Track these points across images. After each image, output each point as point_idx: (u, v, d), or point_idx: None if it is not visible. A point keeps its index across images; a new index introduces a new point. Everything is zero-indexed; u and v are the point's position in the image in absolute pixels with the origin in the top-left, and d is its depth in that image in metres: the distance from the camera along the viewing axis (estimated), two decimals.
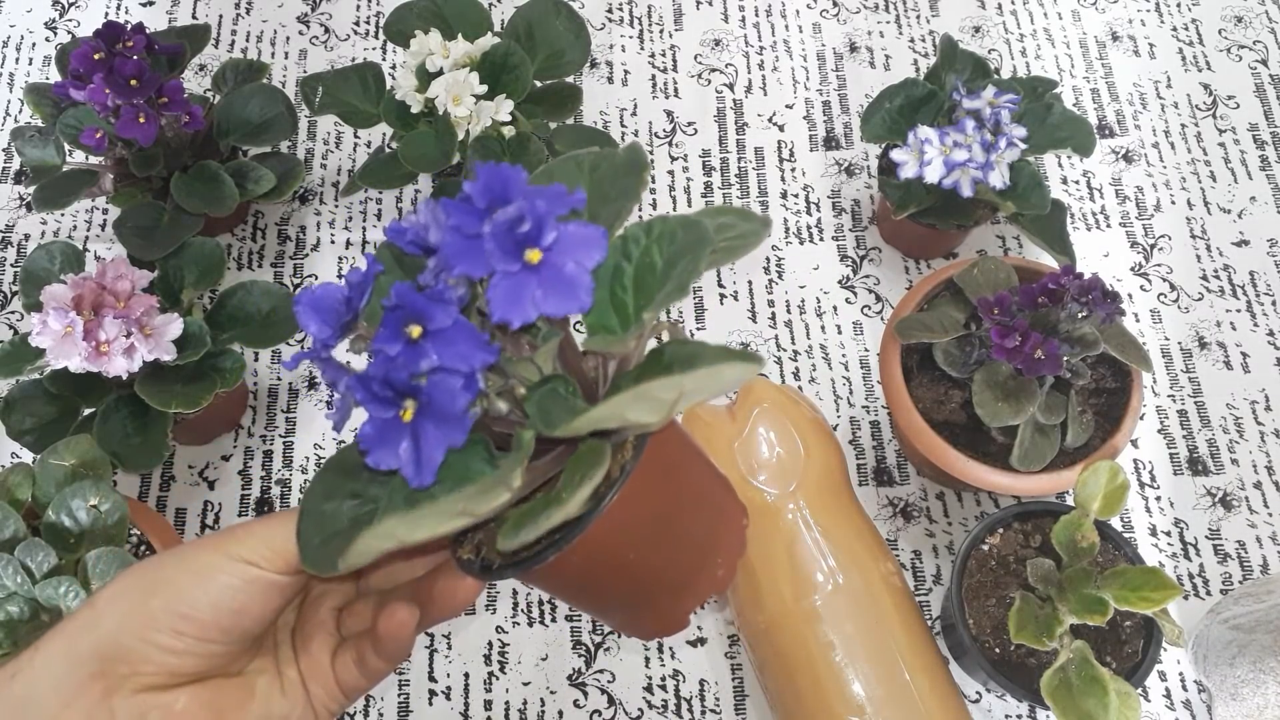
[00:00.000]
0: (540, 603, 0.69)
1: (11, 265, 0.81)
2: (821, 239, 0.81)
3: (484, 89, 0.69)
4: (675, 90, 0.87)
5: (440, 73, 0.70)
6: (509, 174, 0.31)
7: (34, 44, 0.90)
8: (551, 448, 0.33)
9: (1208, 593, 0.69)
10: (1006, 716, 0.66)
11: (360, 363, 0.33)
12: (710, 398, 0.32)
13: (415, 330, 0.30)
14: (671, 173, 0.84)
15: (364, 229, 0.82)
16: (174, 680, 0.34)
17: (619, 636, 0.68)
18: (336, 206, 0.83)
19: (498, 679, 0.67)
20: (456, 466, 0.31)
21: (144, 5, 0.92)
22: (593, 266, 0.30)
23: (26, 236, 0.82)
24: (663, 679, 0.67)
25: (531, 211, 0.30)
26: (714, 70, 0.88)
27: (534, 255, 0.30)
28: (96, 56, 0.69)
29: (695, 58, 0.89)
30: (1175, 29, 0.89)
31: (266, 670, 0.37)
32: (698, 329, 0.78)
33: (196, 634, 0.34)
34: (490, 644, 0.68)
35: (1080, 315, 0.60)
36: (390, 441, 0.31)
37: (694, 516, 0.36)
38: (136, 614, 0.34)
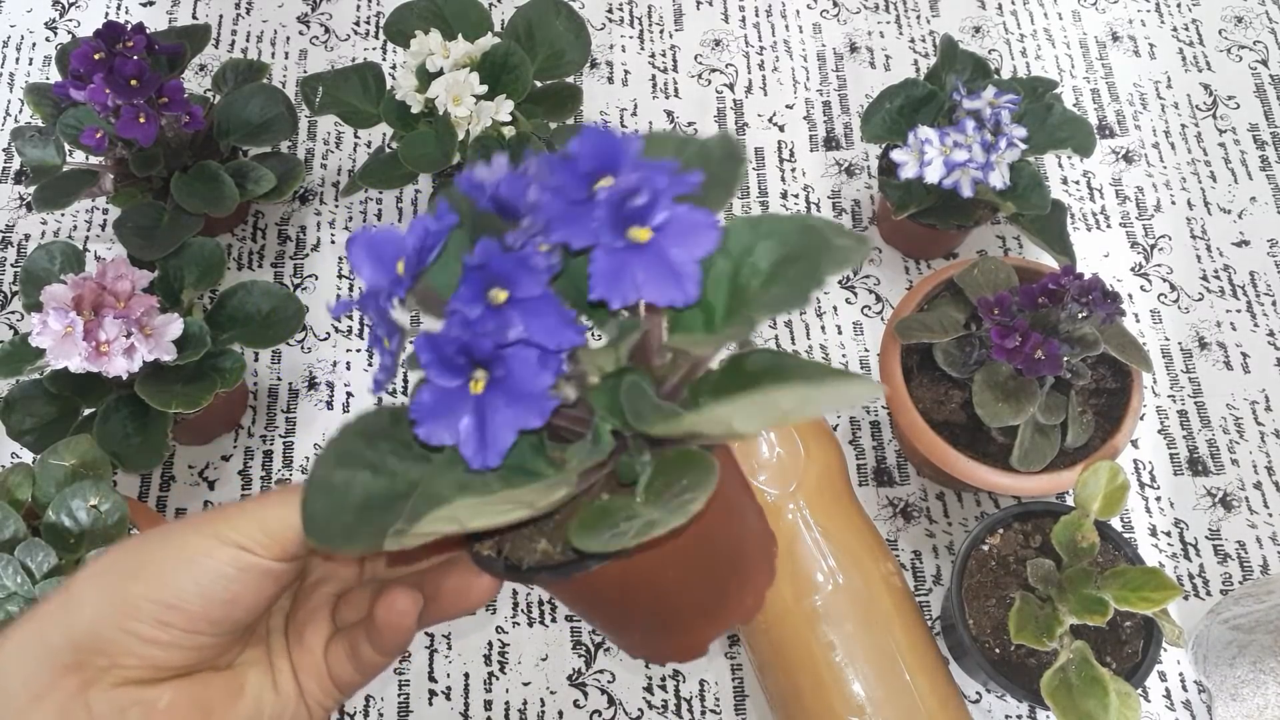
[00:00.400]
0: (540, 603, 0.69)
1: (11, 265, 0.81)
2: None
3: (484, 89, 0.69)
4: (675, 90, 0.87)
5: (440, 73, 0.70)
6: (621, 141, 0.28)
7: (34, 44, 0.90)
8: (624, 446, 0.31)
9: (1208, 593, 0.69)
10: (1006, 717, 0.66)
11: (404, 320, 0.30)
12: (813, 414, 0.30)
13: (500, 295, 0.27)
14: None
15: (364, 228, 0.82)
16: (157, 674, 0.31)
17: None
18: (337, 207, 0.83)
19: (498, 679, 0.67)
20: (513, 458, 0.29)
21: (144, 5, 0.92)
22: (701, 257, 0.27)
23: (27, 236, 0.82)
24: (663, 679, 0.67)
25: (649, 185, 0.27)
26: (714, 70, 0.88)
27: (642, 234, 0.27)
28: (97, 56, 0.69)
29: (695, 58, 0.89)
30: (1175, 29, 0.89)
31: (258, 662, 0.34)
32: None
33: (183, 625, 0.31)
34: (490, 644, 0.68)
35: (1080, 315, 0.60)
36: (450, 414, 0.27)
37: (734, 540, 0.34)
38: (116, 601, 0.31)
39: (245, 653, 0.34)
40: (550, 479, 0.27)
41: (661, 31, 0.90)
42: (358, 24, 0.91)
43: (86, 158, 0.77)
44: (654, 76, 0.88)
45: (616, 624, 0.35)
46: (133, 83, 0.69)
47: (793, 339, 0.77)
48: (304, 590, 0.36)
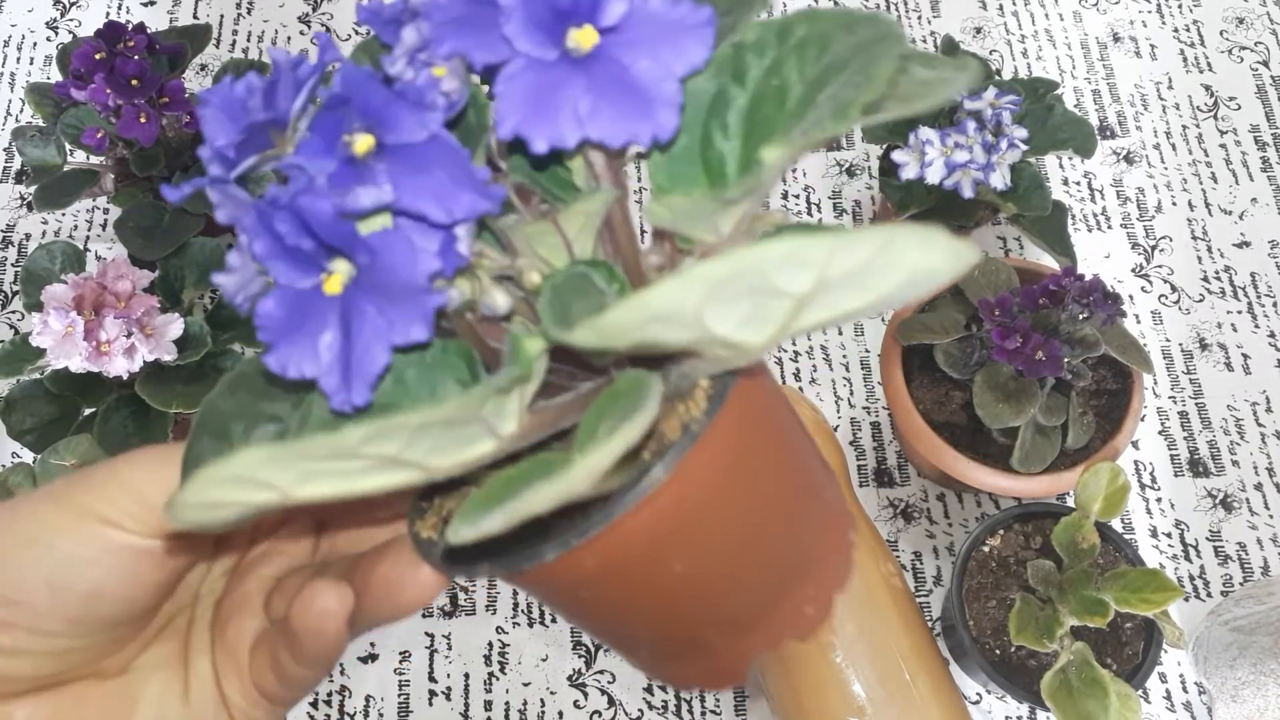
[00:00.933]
0: (540, 603, 0.69)
1: (12, 265, 0.81)
2: None
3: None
4: None
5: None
6: None
7: (35, 44, 0.90)
8: (580, 379, 0.22)
9: (1208, 594, 0.69)
10: (1006, 718, 0.66)
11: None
12: (865, 309, 0.18)
13: (363, 142, 0.18)
14: None
15: None
16: (6, 688, 0.24)
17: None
18: None
19: (498, 679, 0.67)
20: (417, 385, 0.20)
21: (145, 5, 0.92)
22: (685, 73, 0.18)
23: (27, 236, 0.82)
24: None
25: None
26: None
27: (585, 37, 0.18)
28: (98, 56, 0.69)
29: None
30: (1176, 30, 0.89)
31: (165, 665, 0.26)
32: None
33: (28, 625, 0.23)
34: (490, 644, 0.68)
35: (1081, 317, 0.60)
36: (307, 328, 0.19)
37: (781, 519, 0.23)
38: None
39: (148, 653, 0.26)
40: (425, 412, 0.17)
41: None
42: (359, 23, 0.91)
43: (88, 157, 0.77)
44: None
45: (614, 635, 0.25)
46: (134, 83, 0.69)
47: (793, 339, 0.77)
48: (241, 570, 0.28)
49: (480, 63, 0.18)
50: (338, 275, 0.19)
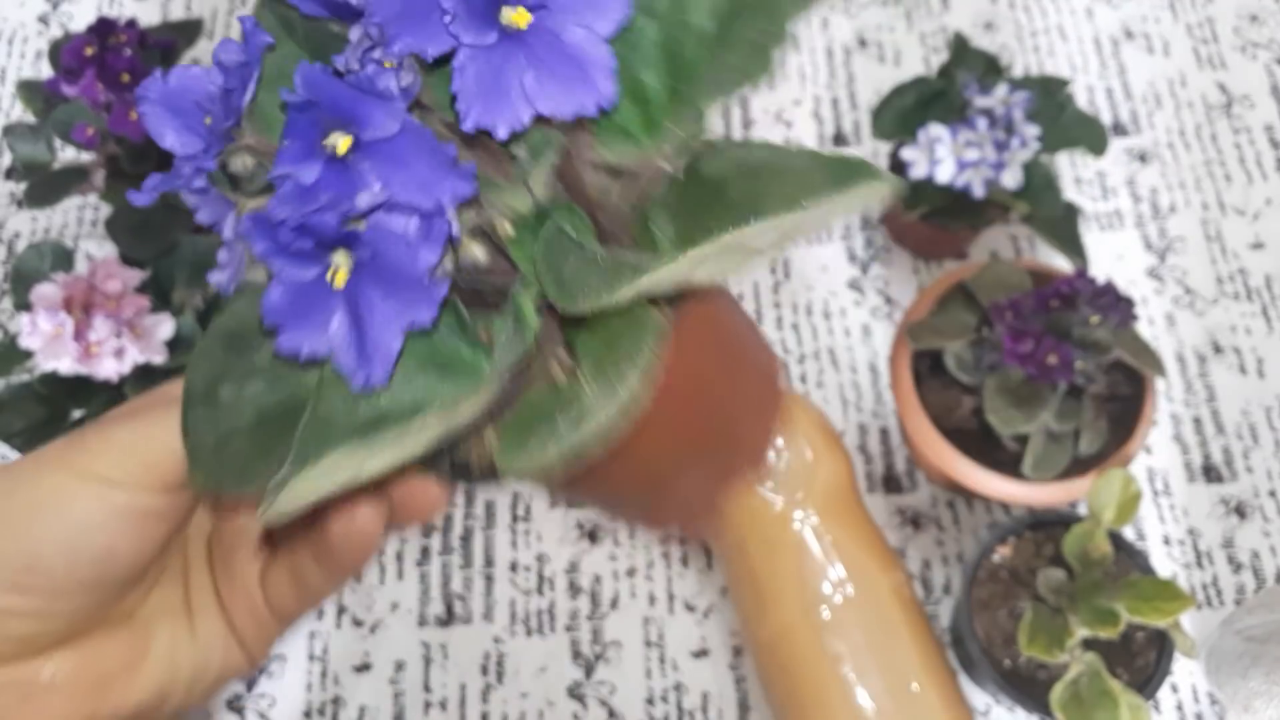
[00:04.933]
0: (539, 612, 0.68)
1: (1, 264, 0.79)
2: (830, 239, 0.79)
3: None
4: None
5: None
6: None
7: (26, 38, 0.89)
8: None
9: (1221, 603, 0.68)
10: None
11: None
12: (795, 239, 0.22)
13: (342, 142, 0.20)
14: None
15: None
16: (29, 648, 0.25)
17: (619, 647, 0.67)
18: None
19: (495, 690, 0.65)
20: (419, 347, 0.22)
21: None
22: (611, 32, 0.20)
23: (17, 234, 0.81)
24: (664, 691, 0.65)
25: None
26: None
27: (519, 16, 0.20)
28: (88, 51, 0.68)
29: None
30: (1189, 26, 0.87)
31: (169, 608, 0.28)
32: None
33: (47, 589, 0.25)
34: (487, 654, 0.66)
35: (1094, 320, 0.59)
36: (315, 314, 0.20)
37: (727, 386, 0.28)
38: None
39: (152, 596, 0.28)
40: (443, 404, 0.21)
41: None
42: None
43: (78, 154, 0.75)
44: None
45: (606, 504, 0.30)
46: (125, 78, 0.67)
47: (799, 342, 0.76)
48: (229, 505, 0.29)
49: (431, 55, 0.20)
50: (341, 269, 0.20)
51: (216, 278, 0.22)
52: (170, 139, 0.21)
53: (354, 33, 0.20)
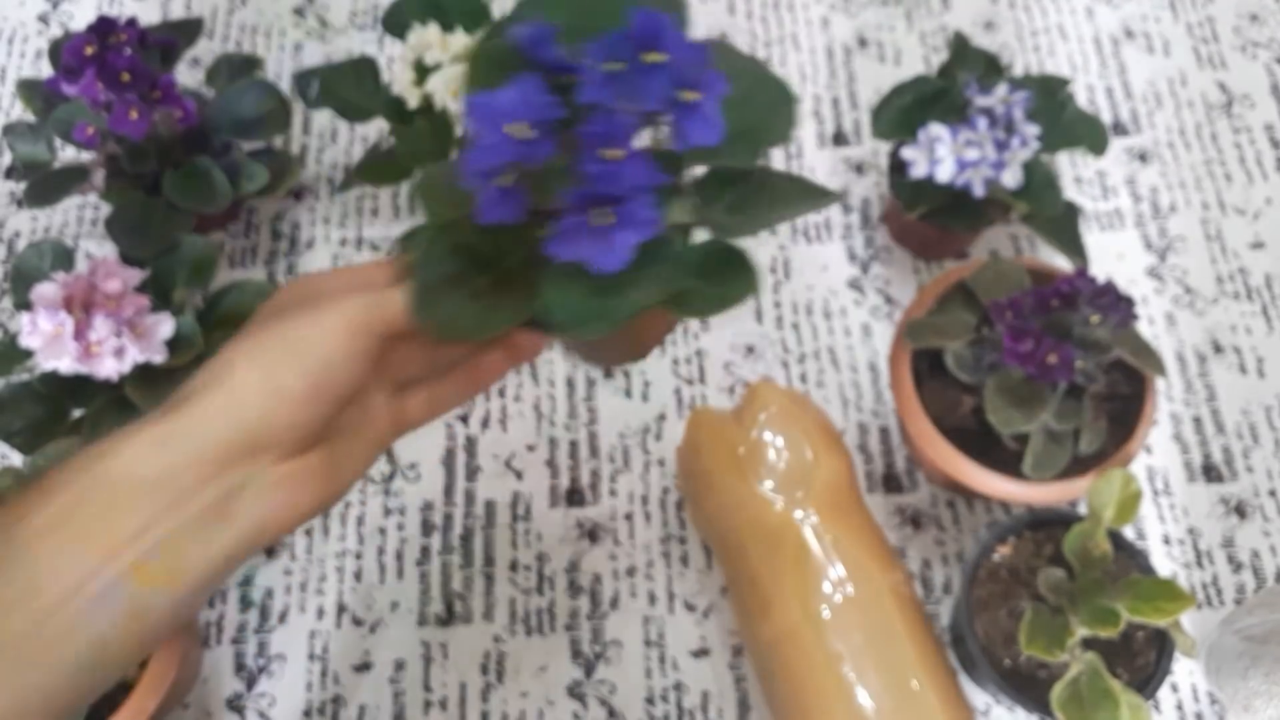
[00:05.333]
0: (539, 612, 0.68)
1: (1, 263, 0.79)
2: (830, 238, 0.79)
3: None
4: None
5: (438, 67, 0.69)
6: (664, 21, 0.34)
7: (26, 37, 0.89)
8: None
9: (1221, 602, 0.68)
10: None
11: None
12: None
13: (616, 153, 0.34)
14: None
15: (359, 225, 0.80)
16: (302, 448, 0.35)
17: (619, 646, 0.67)
18: (331, 203, 0.81)
19: (495, 689, 0.65)
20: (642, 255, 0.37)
21: None
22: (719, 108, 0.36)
23: (17, 234, 0.81)
24: (664, 691, 0.65)
25: (697, 58, 0.35)
26: None
27: (693, 96, 0.35)
28: (88, 51, 0.68)
29: None
30: (1190, 25, 0.87)
31: (351, 424, 0.38)
32: (700, 328, 0.76)
33: (328, 403, 0.35)
34: (487, 653, 0.66)
35: (1094, 320, 0.59)
36: (581, 238, 0.35)
37: (665, 322, 0.51)
38: (272, 388, 0.34)
39: (340, 418, 0.37)
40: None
41: None
42: (354, 16, 0.90)
43: (78, 153, 0.75)
44: None
45: (597, 352, 0.49)
46: (125, 77, 0.67)
47: (800, 341, 0.76)
48: (382, 364, 0.39)
49: (652, 109, 0.35)
50: (608, 215, 0.35)
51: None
52: (490, 136, 0.35)
53: (591, 91, 0.35)
